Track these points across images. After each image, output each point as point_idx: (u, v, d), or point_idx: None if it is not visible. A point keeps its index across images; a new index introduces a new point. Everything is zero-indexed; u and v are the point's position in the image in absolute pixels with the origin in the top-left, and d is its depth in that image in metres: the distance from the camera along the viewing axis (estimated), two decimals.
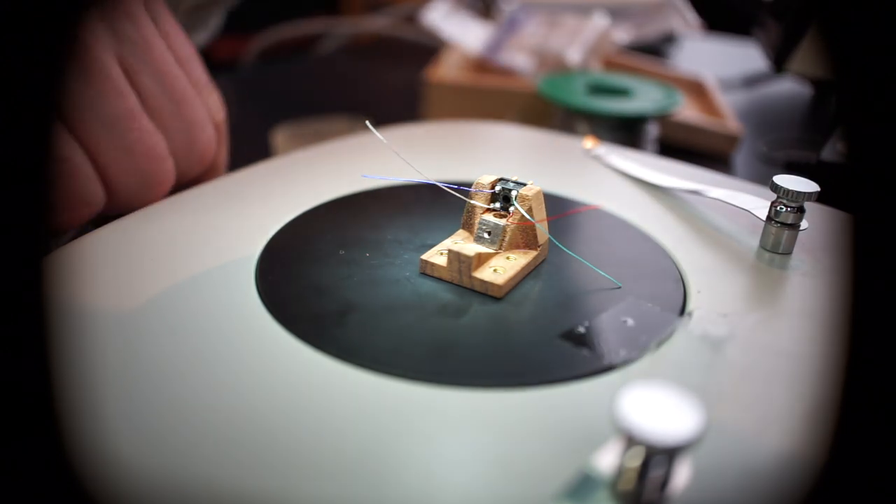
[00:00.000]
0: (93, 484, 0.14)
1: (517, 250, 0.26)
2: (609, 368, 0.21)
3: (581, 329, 0.23)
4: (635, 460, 0.15)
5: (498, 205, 0.27)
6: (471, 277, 0.24)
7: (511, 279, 0.25)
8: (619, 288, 0.25)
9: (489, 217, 0.26)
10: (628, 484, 0.16)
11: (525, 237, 0.26)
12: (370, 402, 0.19)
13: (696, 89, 0.65)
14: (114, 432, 0.17)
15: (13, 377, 0.11)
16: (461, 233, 0.27)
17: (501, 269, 0.25)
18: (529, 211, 0.26)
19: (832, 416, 0.13)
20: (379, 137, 0.27)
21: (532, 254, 0.26)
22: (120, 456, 0.16)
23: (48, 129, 0.12)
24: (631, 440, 0.15)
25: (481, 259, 0.25)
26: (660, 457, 0.15)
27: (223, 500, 0.16)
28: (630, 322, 0.23)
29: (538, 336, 0.23)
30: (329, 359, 0.21)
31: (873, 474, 0.13)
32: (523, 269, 0.25)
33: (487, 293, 0.24)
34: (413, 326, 0.22)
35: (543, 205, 0.27)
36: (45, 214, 0.12)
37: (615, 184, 0.35)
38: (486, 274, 0.24)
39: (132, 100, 0.28)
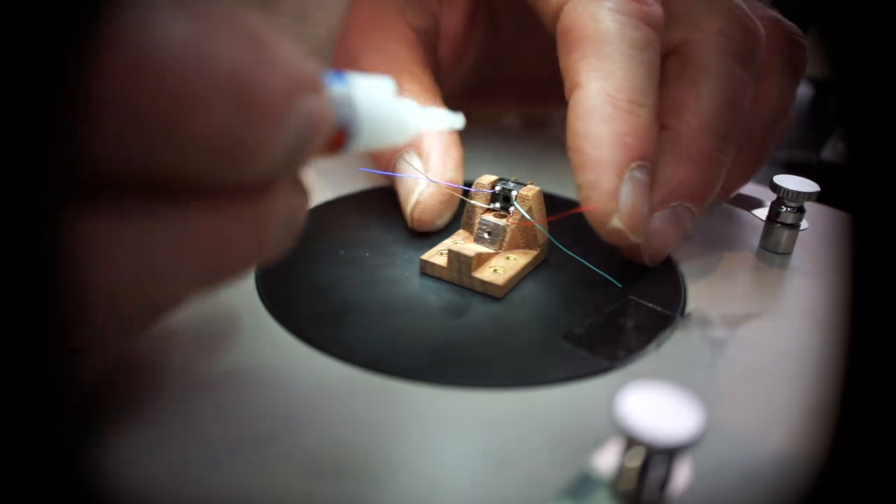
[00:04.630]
0: (93, 484, 0.14)
1: (517, 250, 0.26)
2: (609, 368, 0.21)
3: (581, 329, 0.23)
4: (635, 460, 0.15)
5: (498, 205, 0.27)
6: (471, 277, 0.24)
7: (511, 279, 0.25)
8: (620, 288, 0.25)
9: (489, 217, 0.26)
10: (628, 484, 0.16)
11: (525, 237, 0.26)
12: (370, 403, 0.19)
13: None
14: (113, 432, 0.17)
15: (14, 378, 0.11)
16: (461, 233, 0.27)
17: (501, 269, 0.25)
18: (529, 211, 0.26)
19: (832, 416, 0.13)
20: None
21: (532, 254, 0.26)
22: (119, 455, 0.16)
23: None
24: (631, 440, 0.15)
25: (481, 259, 0.25)
26: (660, 457, 0.15)
27: (221, 499, 0.16)
28: (630, 322, 0.23)
29: (538, 336, 0.23)
30: (329, 359, 0.20)
31: (873, 475, 0.13)
32: (523, 269, 0.25)
33: (487, 293, 0.24)
34: (413, 326, 0.22)
35: (543, 205, 0.27)
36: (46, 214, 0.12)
37: None
38: (486, 274, 0.24)
39: None
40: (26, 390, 0.12)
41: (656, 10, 0.25)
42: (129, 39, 0.12)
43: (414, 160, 0.28)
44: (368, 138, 0.19)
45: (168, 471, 0.16)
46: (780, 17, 0.28)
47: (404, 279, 0.25)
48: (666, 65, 0.27)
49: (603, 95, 0.24)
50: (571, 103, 0.24)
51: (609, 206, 0.23)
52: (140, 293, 0.14)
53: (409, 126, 0.20)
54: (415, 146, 0.28)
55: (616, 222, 0.23)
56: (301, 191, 0.18)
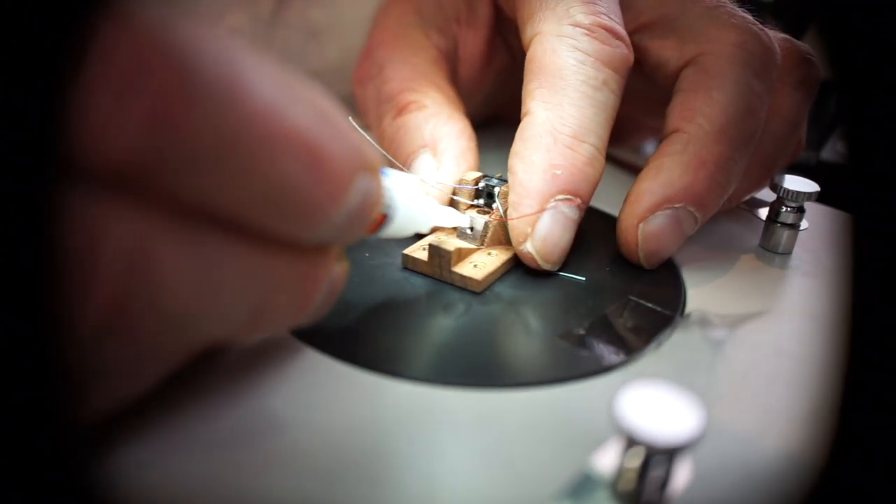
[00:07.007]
0: (91, 484, 0.14)
1: (499, 247, 0.26)
2: (609, 368, 0.21)
3: (580, 329, 0.23)
4: (635, 460, 0.15)
5: (481, 201, 0.27)
6: (450, 272, 0.24)
7: (490, 275, 0.25)
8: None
9: (472, 213, 0.26)
10: (628, 484, 0.16)
11: (507, 234, 0.26)
12: (369, 402, 0.19)
13: None
14: (110, 431, 0.17)
15: (16, 385, 0.11)
16: (445, 228, 0.28)
17: (481, 264, 0.25)
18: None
19: (832, 416, 0.13)
20: (364, 136, 0.27)
21: (513, 250, 0.26)
22: (116, 455, 0.16)
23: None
24: (631, 440, 0.15)
25: (461, 254, 0.25)
26: (660, 457, 0.15)
27: (220, 499, 0.16)
28: (630, 322, 0.23)
29: (537, 336, 0.23)
30: (328, 358, 0.20)
31: (873, 475, 0.13)
32: (503, 265, 0.25)
33: (466, 288, 0.24)
34: (412, 327, 0.22)
35: None
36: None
37: (612, 182, 0.34)
38: (465, 269, 0.24)
39: None
40: (37, 396, 0.12)
41: (622, 52, 0.26)
42: (219, 87, 0.13)
43: (428, 159, 0.28)
44: (399, 225, 0.21)
45: (166, 471, 0.16)
46: (792, 38, 0.29)
47: (403, 279, 0.25)
48: (682, 76, 0.27)
49: (547, 125, 0.25)
50: (520, 126, 0.25)
51: (525, 229, 0.25)
52: (194, 308, 0.15)
53: (430, 220, 0.23)
54: (430, 146, 0.28)
55: (528, 245, 0.25)
56: (343, 263, 0.19)
